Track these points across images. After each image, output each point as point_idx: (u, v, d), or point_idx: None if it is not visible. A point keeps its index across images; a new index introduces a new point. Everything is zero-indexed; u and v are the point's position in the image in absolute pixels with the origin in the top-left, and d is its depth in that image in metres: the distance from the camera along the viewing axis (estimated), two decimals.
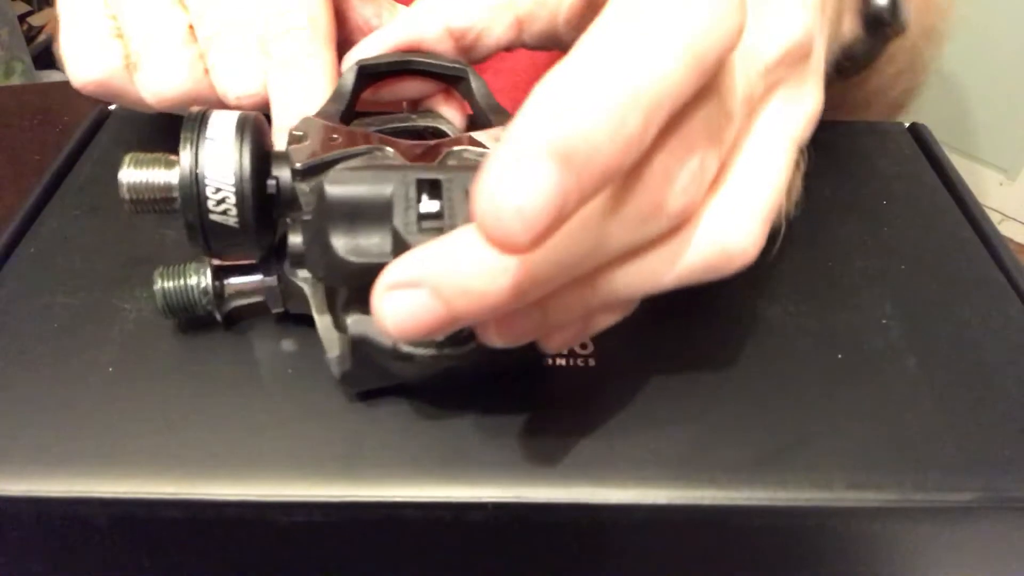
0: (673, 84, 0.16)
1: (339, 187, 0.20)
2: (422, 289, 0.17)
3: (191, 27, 0.28)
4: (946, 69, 1.41)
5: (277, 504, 0.21)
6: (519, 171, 0.14)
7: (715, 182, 0.20)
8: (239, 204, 0.21)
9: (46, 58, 1.57)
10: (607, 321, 0.21)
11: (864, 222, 0.31)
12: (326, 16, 0.27)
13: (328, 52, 0.27)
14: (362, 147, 0.23)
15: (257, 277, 0.24)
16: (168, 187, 0.22)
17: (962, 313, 0.27)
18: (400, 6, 0.31)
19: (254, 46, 0.27)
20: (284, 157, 0.23)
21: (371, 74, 0.28)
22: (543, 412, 0.23)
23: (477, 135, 0.25)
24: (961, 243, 0.30)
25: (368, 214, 0.20)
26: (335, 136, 0.24)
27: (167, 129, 0.26)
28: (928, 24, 0.41)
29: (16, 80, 1.49)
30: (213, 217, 0.21)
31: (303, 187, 0.22)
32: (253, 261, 0.24)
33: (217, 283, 0.24)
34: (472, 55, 0.29)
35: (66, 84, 0.29)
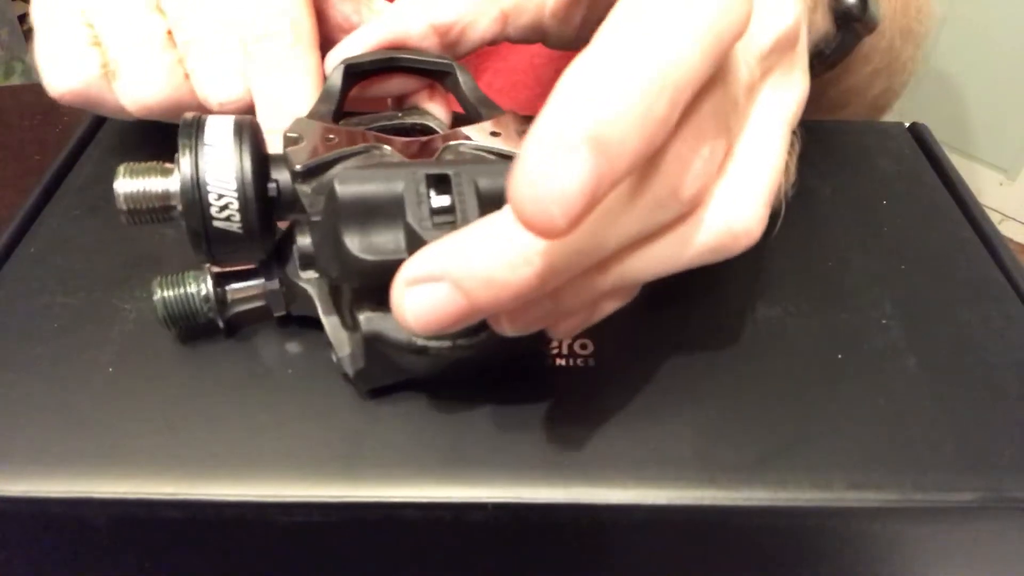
0: (693, 68, 0.17)
1: (350, 186, 0.20)
2: (443, 283, 0.17)
3: (169, 33, 0.27)
4: (946, 69, 1.41)
5: (277, 504, 0.21)
6: (556, 157, 0.15)
7: (720, 166, 0.20)
8: (242, 209, 0.21)
9: None
10: (613, 306, 0.21)
11: (864, 222, 0.31)
12: (307, 17, 0.27)
13: (311, 53, 0.27)
14: (360, 146, 0.23)
15: (259, 281, 0.24)
16: (166, 195, 0.22)
17: (962, 313, 0.27)
18: (380, 3, 0.31)
19: (235, 50, 0.27)
20: (282, 159, 0.23)
21: (357, 73, 0.28)
22: (543, 412, 0.23)
23: (469, 130, 0.25)
24: (961, 243, 0.30)
25: (380, 212, 0.20)
26: (332, 136, 0.24)
27: (167, 129, 0.26)
28: (905, 24, 0.42)
29: (16, 80, 1.49)
30: (216, 223, 0.21)
31: (304, 188, 0.22)
32: (252, 266, 0.24)
33: (219, 289, 0.24)
34: (457, 50, 0.29)
35: None
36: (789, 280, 0.28)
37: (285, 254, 0.24)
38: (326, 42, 0.29)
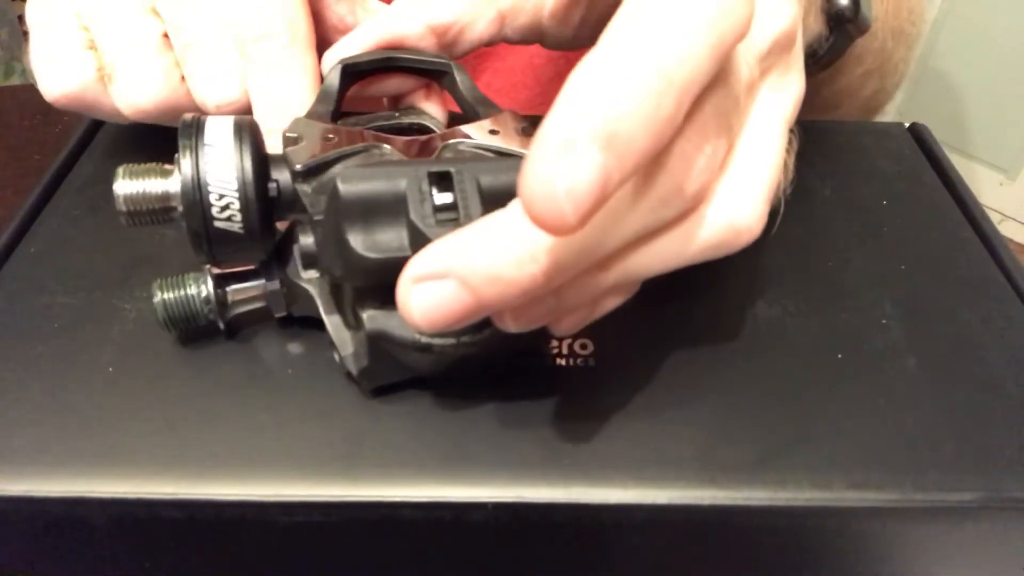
0: (698, 68, 0.17)
1: (353, 185, 0.20)
2: (449, 280, 0.17)
3: (165, 36, 0.27)
4: (946, 69, 1.41)
5: (277, 504, 0.21)
6: (567, 155, 0.15)
7: (721, 164, 0.21)
8: (243, 209, 0.21)
9: None
10: (615, 303, 0.21)
11: (864, 222, 0.31)
12: (304, 18, 0.27)
13: (308, 53, 0.27)
14: (360, 145, 0.23)
15: (259, 282, 0.24)
16: (166, 196, 0.22)
17: (962, 313, 0.27)
18: (374, 3, 0.31)
19: (232, 52, 0.27)
20: (282, 159, 0.23)
21: (355, 73, 0.28)
22: (543, 412, 0.23)
23: (467, 128, 0.25)
24: (961, 243, 0.30)
25: (383, 210, 0.20)
26: (331, 136, 0.24)
27: (166, 130, 0.26)
28: (897, 26, 0.42)
29: (16, 80, 1.49)
30: (217, 224, 0.21)
31: (304, 188, 0.22)
32: (252, 267, 0.24)
33: (219, 291, 0.24)
34: (454, 51, 0.29)
35: None
36: (789, 280, 0.28)
37: (285, 255, 0.24)
38: (322, 43, 0.29)
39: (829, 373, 0.25)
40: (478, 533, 0.22)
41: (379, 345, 0.22)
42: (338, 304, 0.23)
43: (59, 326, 0.25)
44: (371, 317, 0.21)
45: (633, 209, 0.19)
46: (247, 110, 0.27)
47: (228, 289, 0.24)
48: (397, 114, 0.29)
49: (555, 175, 0.15)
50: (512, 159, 0.23)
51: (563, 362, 0.25)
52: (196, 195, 0.21)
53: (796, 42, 0.23)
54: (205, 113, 0.23)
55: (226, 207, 0.21)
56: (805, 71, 0.24)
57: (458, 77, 0.28)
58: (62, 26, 0.28)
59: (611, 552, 0.23)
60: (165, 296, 0.24)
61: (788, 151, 0.25)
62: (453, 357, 0.22)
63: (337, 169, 0.23)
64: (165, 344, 0.25)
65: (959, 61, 1.39)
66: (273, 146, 0.24)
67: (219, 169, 0.21)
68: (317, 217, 0.22)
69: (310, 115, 0.25)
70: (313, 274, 0.24)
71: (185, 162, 0.21)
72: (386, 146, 0.24)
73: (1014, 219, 1.49)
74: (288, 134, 0.24)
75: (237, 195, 0.21)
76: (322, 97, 0.26)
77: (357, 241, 0.20)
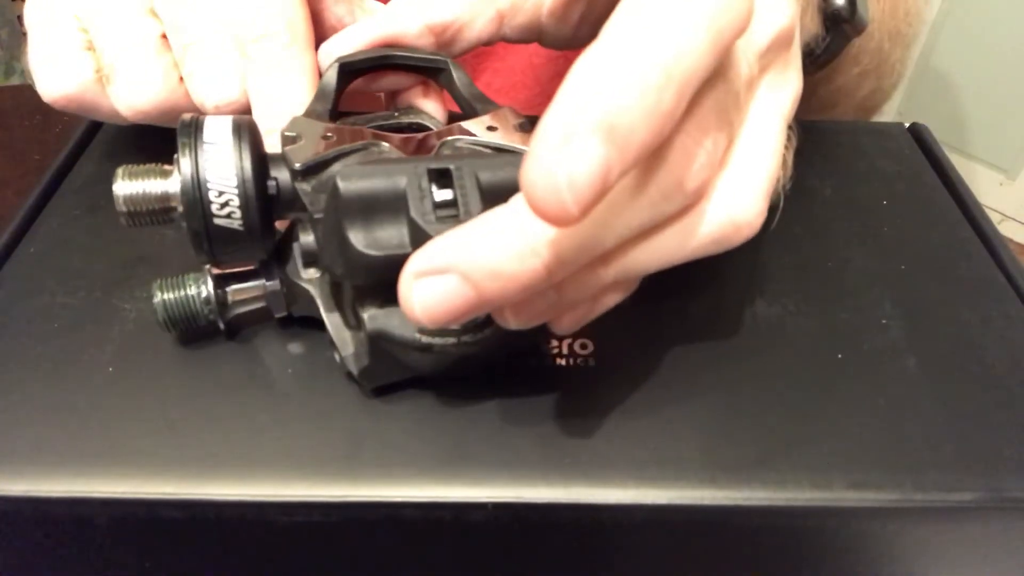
0: (698, 62, 0.17)
1: (353, 182, 0.20)
2: (450, 275, 0.17)
3: (164, 36, 0.27)
4: (946, 69, 1.41)
5: (277, 504, 0.21)
6: (568, 146, 0.16)
7: (721, 159, 0.21)
8: (243, 207, 0.21)
9: None
10: (615, 299, 0.21)
11: (864, 222, 0.31)
12: (303, 18, 0.27)
13: (308, 52, 0.27)
14: (358, 143, 0.23)
15: (259, 282, 0.24)
16: (166, 196, 0.22)
17: (962, 313, 0.27)
18: (372, 3, 0.31)
19: (231, 52, 0.27)
20: (281, 158, 0.23)
21: (352, 71, 0.28)
22: (543, 412, 0.23)
23: (466, 124, 0.25)
24: (961, 243, 0.30)
25: (383, 207, 0.20)
26: (330, 134, 0.24)
27: (165, 130, 0.26)
28: (894, 27, 0.42)
29: (16, 80, 1.49)
30: (217, 222, 0.21)
31: (304, 187, 0.22)
32: (252, 267, 0.24)
33: (219, 291, 0.24)
34: (452, 50, 0.29)
35: None
36: (789, 280, 0.28)
37: (285, 255, 0.24)
38: (321, 44, 0.29)
39: (829, 373, 0.25)
40: (478, 533, 0.22)
41: (379, 345, 0.22)
42: (338, 304, 0.23)
43: (59, 326, 0.25)
44: (371, 316, 0.21)
45: (634, 203, 0.19)
46: (246, 110, 0.27)
47: (228, 289, 0.24)
48: (396, 113, 0.29)
49: (556, 166, 0.15)
50: (511, 155, 0.23)
51: (563, 362, 0.25)
52: (196, 193, 0.21)
53: (794, 40, 0.24)
54: (204, 113, 0.23)
55: (226, 204, 0.21)
56: (803, 70, 0.24)
57: (455, 74, 0.28)
58: (61, 27, 0.28)
59: (611, 552, 0.23)
60: (165, 296, 0.24)
61: (787, 147, 0.26)
62: (453, 357, 0.22)
63: (336, 167, 0.23)
64: (165, 344, 0.25)
65: (959, 61, 1.39)
66: (272, 146, 0.24)
67: (218, 166, 0.21)
68: (317, 215, 0.22)
69: (308, 114, 0.25)
70: (313, 274, 0.24)
71: (184, 161, 0.21)
72: (385, 144, 0.24)
73: (1014, 219, 1.49)
74: (286, 133, 0.24)
75: (237, 191, 0.21)
76: (319, 96, 0.26)
77: (358, 239, 0.20)
